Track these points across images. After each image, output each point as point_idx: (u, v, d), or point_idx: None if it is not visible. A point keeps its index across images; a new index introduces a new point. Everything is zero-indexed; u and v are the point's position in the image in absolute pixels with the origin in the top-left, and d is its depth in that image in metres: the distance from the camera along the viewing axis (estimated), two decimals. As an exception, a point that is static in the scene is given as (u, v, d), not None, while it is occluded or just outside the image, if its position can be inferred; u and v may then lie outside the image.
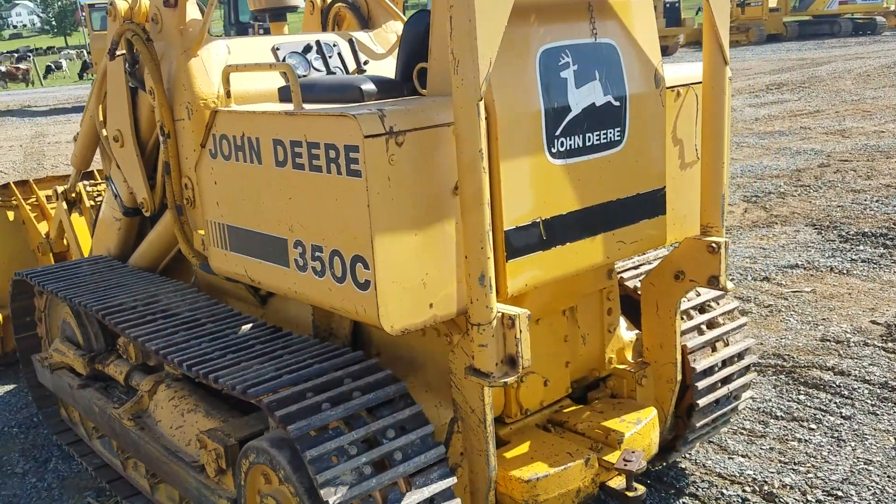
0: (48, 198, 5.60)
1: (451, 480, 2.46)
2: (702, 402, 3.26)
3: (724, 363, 3.38)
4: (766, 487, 3.57)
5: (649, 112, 2.78)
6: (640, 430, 2.97)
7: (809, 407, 4.32)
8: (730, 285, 2.96)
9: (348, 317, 2.55)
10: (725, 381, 3.38)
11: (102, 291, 3.69)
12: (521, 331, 2.27)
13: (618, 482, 2.82)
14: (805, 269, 6.69)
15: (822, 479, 3.61)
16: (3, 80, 39.69)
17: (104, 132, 3.87)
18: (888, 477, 3.60)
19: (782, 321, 5.60)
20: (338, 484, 2.28)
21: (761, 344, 5.19)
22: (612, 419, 3.03)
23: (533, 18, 2.43)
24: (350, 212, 2.21)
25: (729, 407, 3.44)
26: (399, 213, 2.20)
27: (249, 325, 3.14)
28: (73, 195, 5.11)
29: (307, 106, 2.44)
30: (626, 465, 2.77)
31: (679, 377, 3.15)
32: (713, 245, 2.87)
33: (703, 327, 3.35)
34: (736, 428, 4.13)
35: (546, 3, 2.46)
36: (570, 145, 2.56)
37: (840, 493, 3.49)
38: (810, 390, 4.51)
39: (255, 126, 2.56)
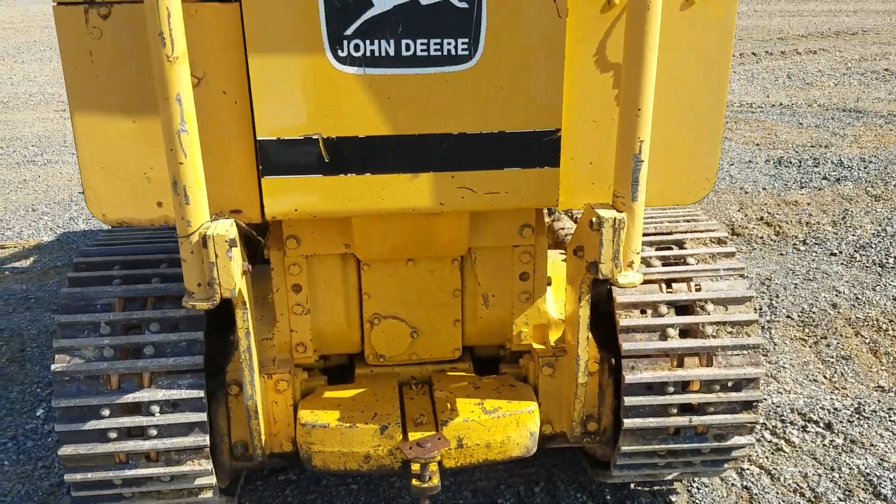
0: None
1: (198, 393, 2.35)
2: (629, 423, 2.46)
3: (701, 386, 2.47)
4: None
5: (530, 23, 2.04)
6: (482, 420, 2.40)
7: None
8: (631, 277, 2.12)
9: None
10: (689, 409, 2.49)
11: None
12: (216, 255, 2.01)
13: (419, 466, 2.36)
14: None
15: None
16: None
17: None
18: None
19: None
20: (73, 354, 2.35)
21: None
22: (472, 398, 2.50)
23: None
24: None
25: (694, 445, 2.53)
26: (108, 93, 2.05)
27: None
28: None
29: None
30: (410, 449, 2.30)
31: (583, 379, 2.42)
32: (593, 220, 2.07)
33: (671, 331, 2.47)
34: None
35: None
36: (372, 51, 2.04)
37: None
38: None
39: None
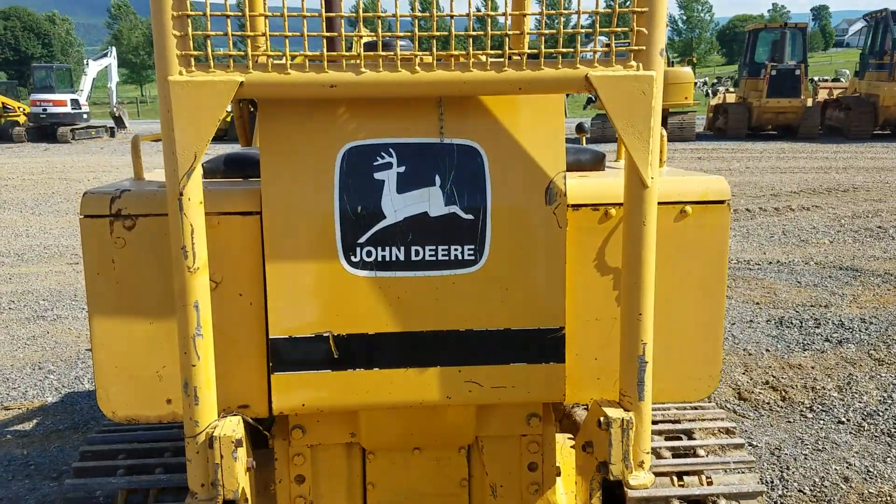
0: None
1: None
2: None
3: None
4: None
5: (532, 232, 2.16)
6: None
7: None
8: (642, 478, 2.11)
9: None
10: None
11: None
12: (221, 456, 2.01)
13: None
14: None
15: None
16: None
17: None
18: None
19: None
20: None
21: None
22: None
23: (342, 111, 2.10)
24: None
25: None
26: (127, 297, 2.13)
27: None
28: None
29: (150, 176, 2.52)
30: None
31: (594, 582, 2.35)
32: (601, 419, 2.09)
33: (683, 528, 2.43)
34: None
35: (367, 96, 2.09)
36: (383, 257, 2.14)
37: None
38: None
39: None
